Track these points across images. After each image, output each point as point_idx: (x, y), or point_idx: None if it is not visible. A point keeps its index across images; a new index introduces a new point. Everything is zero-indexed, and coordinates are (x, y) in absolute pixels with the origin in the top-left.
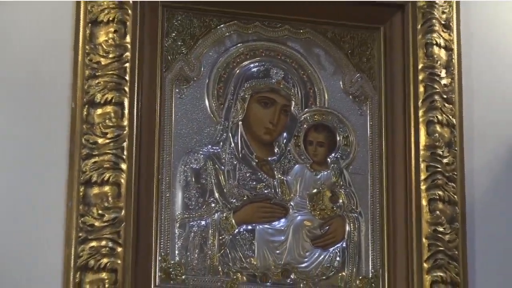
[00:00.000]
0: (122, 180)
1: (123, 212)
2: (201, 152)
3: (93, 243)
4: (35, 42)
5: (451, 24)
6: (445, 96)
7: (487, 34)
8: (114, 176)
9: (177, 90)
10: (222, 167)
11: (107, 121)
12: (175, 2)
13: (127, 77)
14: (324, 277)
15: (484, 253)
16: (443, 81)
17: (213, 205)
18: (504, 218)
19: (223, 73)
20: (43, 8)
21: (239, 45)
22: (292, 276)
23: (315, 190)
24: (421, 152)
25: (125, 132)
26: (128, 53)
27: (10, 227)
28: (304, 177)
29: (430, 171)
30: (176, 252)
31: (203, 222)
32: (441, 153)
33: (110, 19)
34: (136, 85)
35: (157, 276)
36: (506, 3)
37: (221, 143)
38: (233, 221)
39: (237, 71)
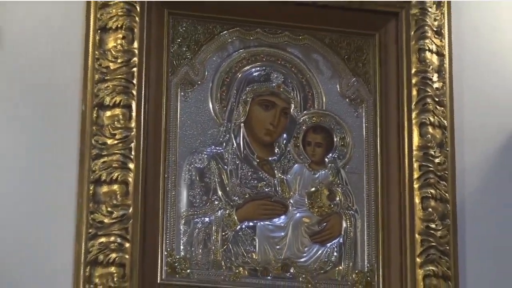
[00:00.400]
0: (130, 179)
1: (131, 209)
2: (205, 152)
3: (102, 239)
4: (47, 48)
5: (442, 30)
6: (437, 99)
7: (476, 40)
8: (122, 175)
9: (182, 94)
10: (225, 167)
11: (115, 123)
12: (180, 6)
13: (134, 81)
14: (322, 271)
15: (474, 248)
16: (435, 85)
17: (216, 202)
18: (493, 215)
19: (226, 77)
20: (55, 15)
21: (241, 50)
22: (291, 270)
23: (313, 189)
24: (414, 152)
25: (132, 133)
26: (135, 58)
27: (23, 224)
28: (303, 176)
29: (422, 170)
30: (181, 247)
31: (207, 219)
32: (433, 153)
33: (119, 26)
34: (143, 89)
35: (163, 270)
36: (494, 11)
37: (224, 144)
38: (236, 218)
39: (239, 75)
